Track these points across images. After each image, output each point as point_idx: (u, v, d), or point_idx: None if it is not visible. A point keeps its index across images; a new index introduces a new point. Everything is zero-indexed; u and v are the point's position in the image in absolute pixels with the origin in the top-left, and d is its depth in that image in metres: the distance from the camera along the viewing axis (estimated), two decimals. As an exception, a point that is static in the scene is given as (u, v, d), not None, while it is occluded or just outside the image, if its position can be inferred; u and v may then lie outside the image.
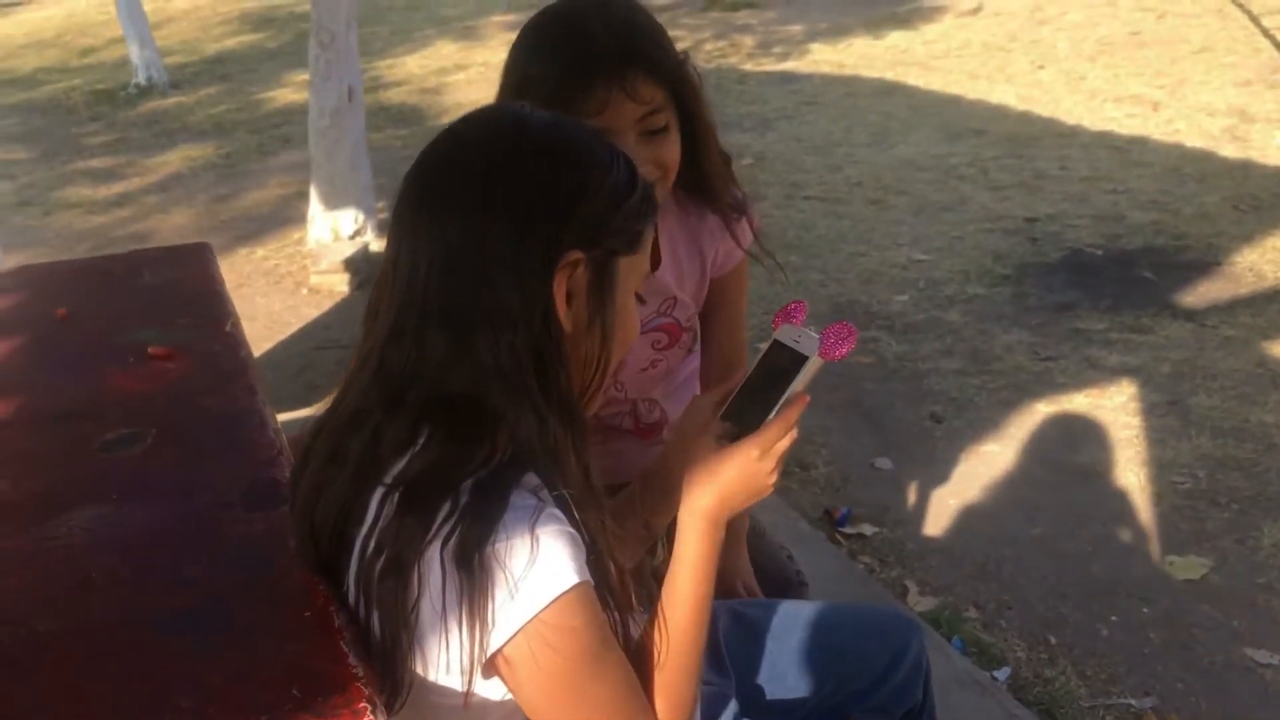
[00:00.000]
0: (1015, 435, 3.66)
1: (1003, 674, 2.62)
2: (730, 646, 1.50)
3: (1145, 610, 2.81)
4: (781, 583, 1.92)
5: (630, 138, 1.44)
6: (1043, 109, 7.42)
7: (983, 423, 3.74)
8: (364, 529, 1.03)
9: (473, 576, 0.95)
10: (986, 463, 3.51)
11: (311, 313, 5.10)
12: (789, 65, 9.41)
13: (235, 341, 1.69)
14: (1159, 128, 6.84)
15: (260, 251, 5.94)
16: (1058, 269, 4.92)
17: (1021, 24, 10.11)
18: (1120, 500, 3.27)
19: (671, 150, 1.51)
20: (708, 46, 10.28)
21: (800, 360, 1.17)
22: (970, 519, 3.24)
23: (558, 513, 1.02)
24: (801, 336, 1.19)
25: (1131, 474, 3.38)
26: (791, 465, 3.44)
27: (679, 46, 1.52)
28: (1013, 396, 3.89)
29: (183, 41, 12.50)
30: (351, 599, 1.06)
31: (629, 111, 1.43)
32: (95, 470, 1.34)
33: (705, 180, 1.61)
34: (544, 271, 1.03)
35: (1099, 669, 2.63)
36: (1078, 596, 2.88)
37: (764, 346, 1.23)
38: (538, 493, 1.02)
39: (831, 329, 1.17)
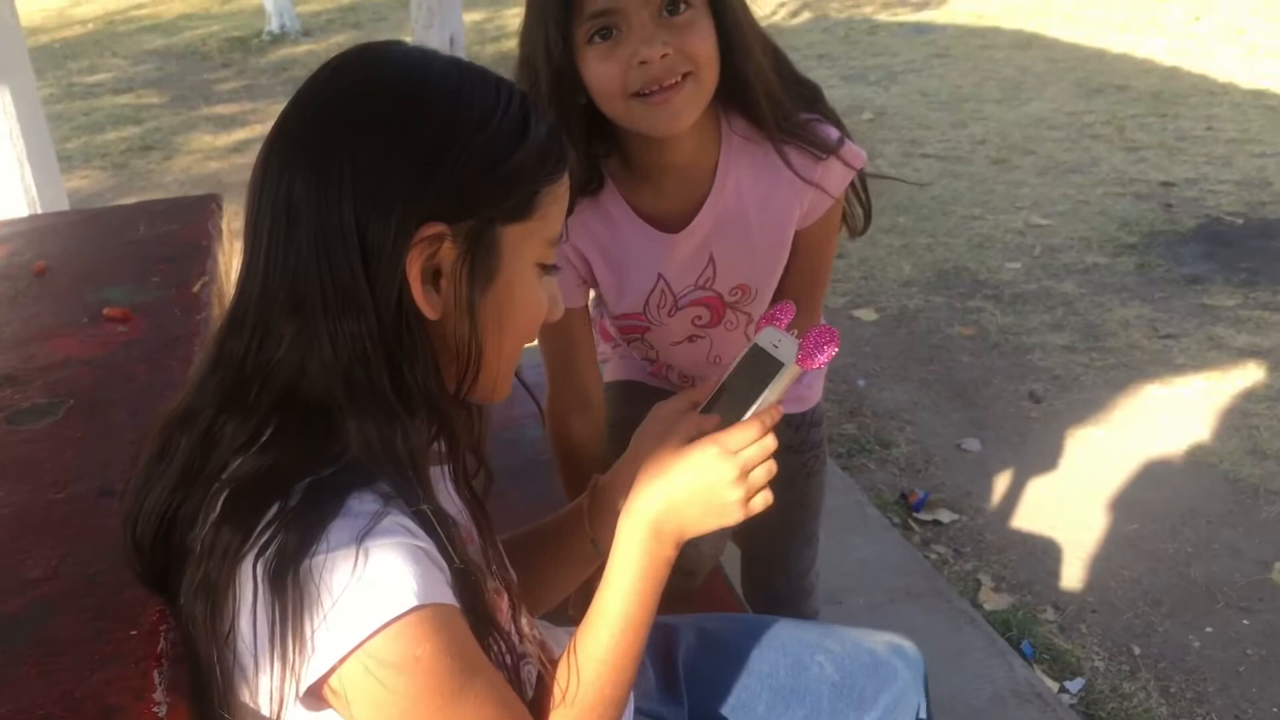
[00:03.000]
0: (1121, 420, 3.36)
1: (1075, 685, 2.39)
2: (688, 668, 1.32)
3: (1245, 622, 2.54)
4: None
5: (644, 16, 1.27)
6: (1194, 64, 6.91)
7: (1086, 404, 3.45)
8: (194, 535, 0.89)
9: (285, 595, 0.80)
10: (1086, 449, 3.23)
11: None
12: (925, 15, 9.00)
13: (197, 305, 1.56)
14: (1322, 86, 6.31)
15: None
16: (1190, 238, 4.54)
17: (1182, -28, 9.46)
18: (1231, 498, 2.96)
19: (700, 39, 1.30)
20: (841, -5, 9.92)
21: (777, 367, 1.03)
22: (1061, 511, 2.97)
23: (406, 521, 0.85)
24: (782, 341, 1.06)
25: (1247, 469, 3.07)
26: (871, 443, 3.22)
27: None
28: (1123, 377, 3.59)
29: (321, -10, 12.63)
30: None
31: None
32: (-7, 446, 1.24)
33: (745, 91, 1.38)
34: (395, 247, 0.86)
35: (1185, 685, 2.38)
36: (1171, 603, 2.62)
37: (742, 353, 1.10)
38: (387, 498, 0.86)
39: (811, 333, 1.03)
